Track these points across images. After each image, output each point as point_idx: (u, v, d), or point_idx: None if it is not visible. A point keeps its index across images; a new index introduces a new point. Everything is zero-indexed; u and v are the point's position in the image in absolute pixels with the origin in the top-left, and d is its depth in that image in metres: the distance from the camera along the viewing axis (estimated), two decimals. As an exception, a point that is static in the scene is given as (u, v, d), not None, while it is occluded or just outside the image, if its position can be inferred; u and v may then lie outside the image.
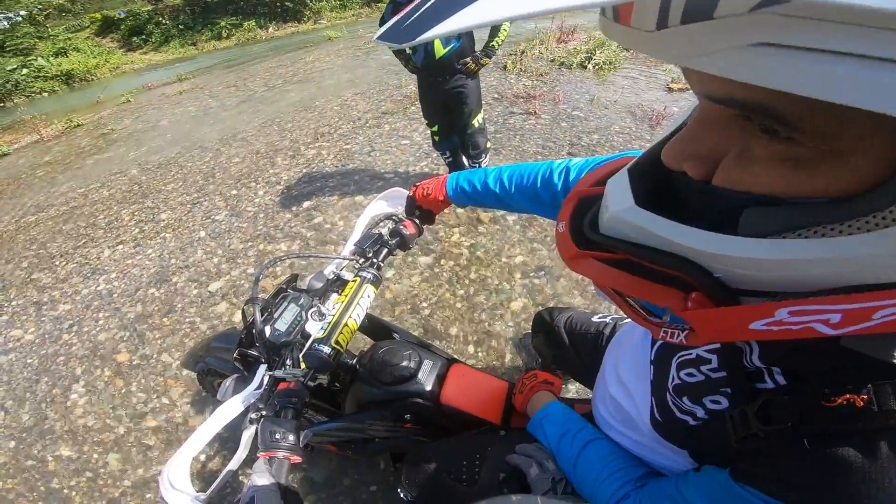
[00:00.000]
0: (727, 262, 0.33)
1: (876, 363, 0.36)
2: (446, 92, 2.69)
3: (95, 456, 1.98)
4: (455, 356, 1.20)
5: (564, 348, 1.24)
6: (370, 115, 4.62)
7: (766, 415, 0.41)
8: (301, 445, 0.77)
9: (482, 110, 2.86)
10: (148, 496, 1.79)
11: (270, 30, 13.97)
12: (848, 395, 0.36)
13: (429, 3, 0.24)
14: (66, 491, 1.87)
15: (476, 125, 2.83)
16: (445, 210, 1.10)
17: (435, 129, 2.95)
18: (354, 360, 1.14)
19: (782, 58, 0.21)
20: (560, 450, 0.80)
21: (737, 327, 0.34)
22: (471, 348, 2.09)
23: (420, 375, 1.03)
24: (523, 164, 0.90)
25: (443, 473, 0.94)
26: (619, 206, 0.38)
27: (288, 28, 13.97)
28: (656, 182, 0.41)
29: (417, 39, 0.23)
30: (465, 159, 3.10)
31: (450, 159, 3.12)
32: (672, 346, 0.57)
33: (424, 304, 2.35)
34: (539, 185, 0.85)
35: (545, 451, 0.84)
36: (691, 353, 0.53)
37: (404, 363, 1.03)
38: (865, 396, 0.35)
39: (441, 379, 1.06)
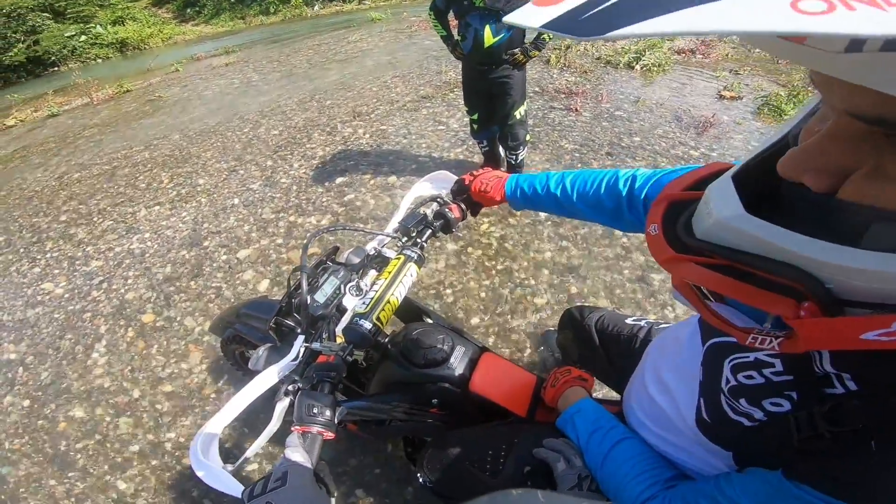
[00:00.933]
0: (849, 273, 0.33)
1: None
2: (491, 81, 2.65)
3: (107, 419, 2.01)
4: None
5: (594, 348, 1.22)
6: (409, 98, 4.60)
7: (834, 417, 0.42)
8: (336, 422, 0.77)
9: (525, 103, 2.81)
10: (154, 463, 1.81)
11: (316, 7, 14.01)
12: None
13: None
14: (71, 454, 1.90)
15: (518, 117, 2.77)
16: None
17: (475, 117, 2.91)
18: (386, 340, 1.13)
19: None
20: (589, 447, 0.81)
21: (848, 337, 0.34)
22: (491, 339, 2.08)
23: (452, 360, 1.02)
24: (587, 170, 0.90)
25: (466, 461, 0.94)
26: (726, 213, 0.38)
27: (333, 7, 13.97)
28: (758, 190, 0.41)
29: (606, 35, 0.22)
30: (502, 150, 3.06)
31: (486, 148, 3.08)
32: (723, 348, 0.58)
33: (448, 291, 2.35)
34: (603, 191, 0.85)
35: (573, 447, 0.84)
36: (749, 357, 0.54)
37: (438, 346, 1.02)
38: None
39: (472, 366, 1.05)
